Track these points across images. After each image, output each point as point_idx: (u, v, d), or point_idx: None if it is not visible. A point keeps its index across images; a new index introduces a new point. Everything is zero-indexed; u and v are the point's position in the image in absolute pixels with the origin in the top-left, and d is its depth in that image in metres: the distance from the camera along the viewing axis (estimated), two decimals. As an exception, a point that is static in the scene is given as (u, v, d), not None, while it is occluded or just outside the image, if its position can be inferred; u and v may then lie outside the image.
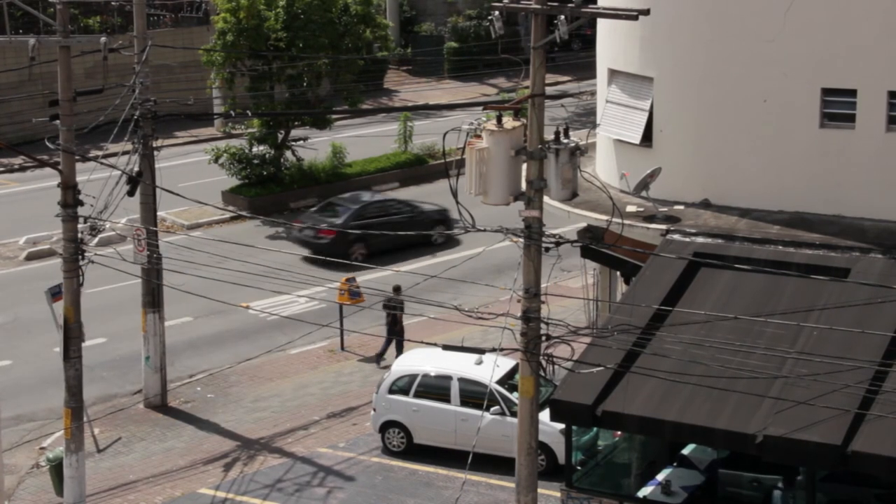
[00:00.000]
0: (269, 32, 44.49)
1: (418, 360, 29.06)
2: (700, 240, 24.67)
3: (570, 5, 19.17)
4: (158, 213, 31.65)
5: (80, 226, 24.86)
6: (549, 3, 19.25)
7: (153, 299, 30.82)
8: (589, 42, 47.32)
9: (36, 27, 51.67)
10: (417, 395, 28.38)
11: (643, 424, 21.25)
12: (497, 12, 19.86)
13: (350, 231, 38.29)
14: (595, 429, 24.70)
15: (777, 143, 25.45)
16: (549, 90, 20.24)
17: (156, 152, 30.34)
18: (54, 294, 27.80)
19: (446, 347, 29.62)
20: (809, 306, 22.14)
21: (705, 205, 26.26)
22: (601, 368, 21.38)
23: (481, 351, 28.63)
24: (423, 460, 28.04)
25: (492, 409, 27.11)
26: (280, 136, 46.35)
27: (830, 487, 22.46)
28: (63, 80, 24.51)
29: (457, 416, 27.80)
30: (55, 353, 27.80)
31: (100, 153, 26.80)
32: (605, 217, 25.39)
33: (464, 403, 27.86)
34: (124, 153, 28.38)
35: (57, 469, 26.58)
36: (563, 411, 21.85)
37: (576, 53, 65.28)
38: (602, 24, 28.98)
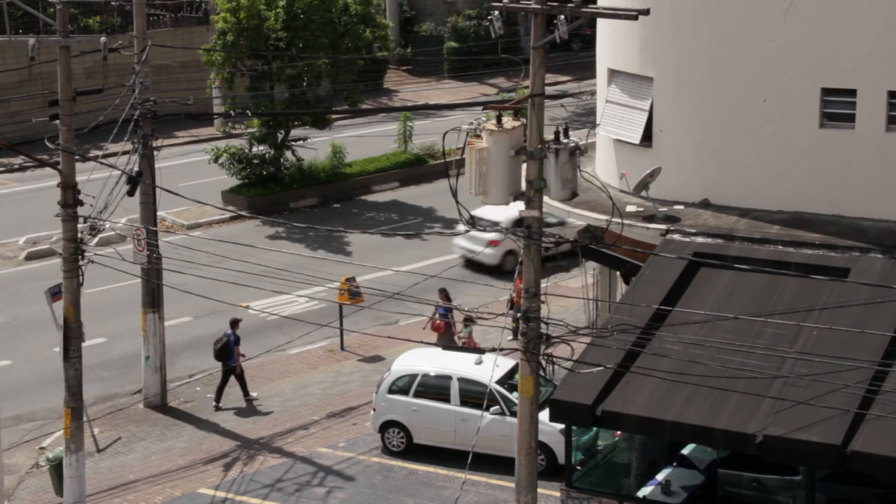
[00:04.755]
0: (269, 32, 44.49)
1: (418, 360, 29.04)
2: (700, 240, 24.67)
3: (569, 5, 19.17)
4: (158, 213, 31.65)
5: (79, 226, 24.85)
6: (549, 3, 19.24)
7: (153, 299, 30.81)
8: (589, 42, 47.31)
9: (36, 27, 51.67)
10: (417, 394, 28.36)
11: (643, 424, 21.25)
12: (497, 12, 19.86)
13: None
14: (595, 429, 24.70)
15: (777, 143, 25.46)
16: (548, 90, 20.24)
17: (156, 152, 30.34)
18: (54, 294, 27.81)
19: (446, 347, 29.64)
20: (809, 306, 22.14)
21: (705, 205, 26.26)
22: (601, 368, 21.37)
23: (481, 351, 28.65)
24: (423, 460, 28.02)
25: (491, 409, 27.11)
26: (280, 136, 46.36)
27: (830, 487, 22.46)
28: (63, 80, 24.50)
29: (457, 416, 27.79)
30: (55, 353, 27.78)
31: (100, 153, 26.77)
32: (604, 217, 25.38)
33: (463, 403, 27.84)
34: (124, 153, 28.38)
35: (57, 469, 26.57)
36: (563, 411, 21.84)
37: (576, 53, 65.33)
38: (602, 24, 28.97)
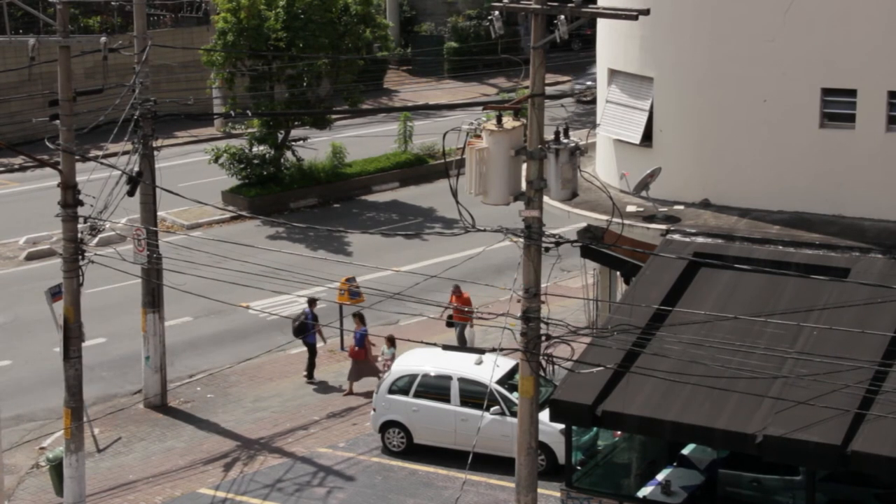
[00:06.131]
0: (269, 32, 44.49)
1: (418, 360, 29.03)
2: (700, 240, 24.67)
3: (570, 5, 19.17)
4: (158, 213, 31.63)
5: (80, 226, 24.85)
6: (549, 3, 19.25)
7: (153, 299, 30.81)
8: (589, 42, 47.33)
9: (36, 27, 51.67)
10: (417, 394, 28.35)
11: (643, 424, 21.25)
12: (497, 12, 19.86)
13: None
14: (595, 429, 24.70)
15: (777, 143, 25.45)
16: (548, 90, 20.24)
17: (156, 152, 30.34)
18: (54, 294, 27.81)
19: (446, 347, 29.61)
20: (809, 306, 22.13)
21: (705, 205, 26.26)
22: (601, 368, 21.37)
23: (481, 351, 28.63)
24: (423, 460, 28.02)
25: (492, 409, 27.10)
26: (280, 136, 46.36)
27: (830, 487, 22.46)
28: (63, 80, 24.50)
29: (457, 416, 27.78)
30: (55, 353, 27.80)
31: (100, 153, 26.78)
32: (605, 217, 25.39)
33: (464, 403, 27.83)
34: (124, 153, 28.38)
35: (57, 469, 26.57)
36: (563, 411, 21.84)
37: (576, 53, 65.34)
38: (602, 24, 28.98)
